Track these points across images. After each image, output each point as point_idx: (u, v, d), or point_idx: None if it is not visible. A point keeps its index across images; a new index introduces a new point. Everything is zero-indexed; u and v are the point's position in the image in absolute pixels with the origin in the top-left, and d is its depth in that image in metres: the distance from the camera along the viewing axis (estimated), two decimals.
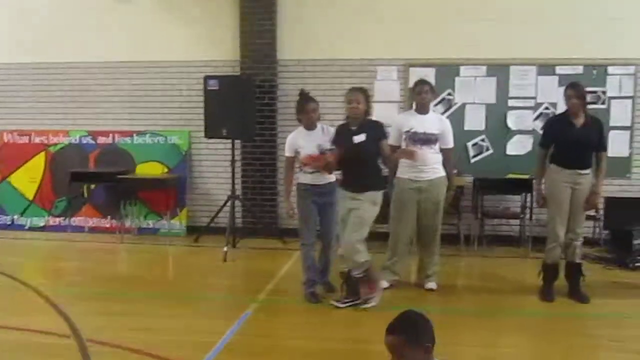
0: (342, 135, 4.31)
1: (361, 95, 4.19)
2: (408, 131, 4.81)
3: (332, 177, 4.64)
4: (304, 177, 4.66)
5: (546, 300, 4.76)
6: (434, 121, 4.87)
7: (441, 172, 4.89)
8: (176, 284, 5.40)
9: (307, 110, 4.56)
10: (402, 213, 4.88)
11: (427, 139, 4.79)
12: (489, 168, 6.87)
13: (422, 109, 4.86)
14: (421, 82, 4.91)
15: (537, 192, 4.93)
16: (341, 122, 4.54)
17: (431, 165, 4.83)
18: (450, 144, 4.93)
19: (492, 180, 6.65)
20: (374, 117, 4.78)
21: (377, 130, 4.25)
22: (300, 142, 4.61)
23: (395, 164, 4.67)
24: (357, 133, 4.25)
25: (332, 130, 4.63)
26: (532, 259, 6.03)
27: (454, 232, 6.73)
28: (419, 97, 4.84)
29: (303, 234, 4.64)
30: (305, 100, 4.62)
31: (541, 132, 5.20)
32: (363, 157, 4.23)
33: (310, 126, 4.63)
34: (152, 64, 7.39)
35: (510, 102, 6.88)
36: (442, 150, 4.89)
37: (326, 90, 6.84)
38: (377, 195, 4.32)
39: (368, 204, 4.28)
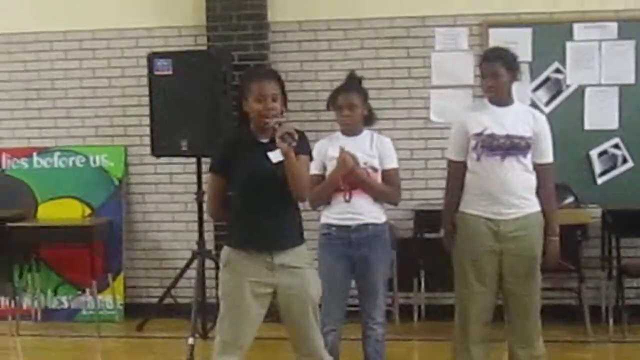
0: (242, 149, 4.20)
1: (277, 84, 4.19)
2: (479, 134, 4.81)
3: (379, 215, 4.81)
4: (329, 214, 4.84)
5: None
6: (522, 117, 4.88)
7: (535, 206, 4.84)
8: None
9: (340, 105, 4.78)
10: (470, 275, 4.88)
11: (513, 146, 4.78)
12: (629, 193, 6.93)
13: (498, 100, 4.87)
14: (488, 57, 4.95)
15: None
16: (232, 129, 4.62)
17: (519, 194, 4.79)
18: (548, 156, 4.90)
19: (635, 214, 6.67)
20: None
21: (300, 143, 4.20)
22: (331, 152, 4.78)
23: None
24: (273, 148, 4.17)
25: (387, 142, 4.91)
26: None
27: (571, 303, 6.79)
28: (484, 82, 4.88)
29: (325, 311, 4.60)
30: (343, 88, 4.85)
31: None
32: (284, 188, 4.14)
33: (348, 130, 4.83)
34: (62, 36, 7.48)
35: None
36: (536, 167, 4.85)
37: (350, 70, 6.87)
38: (307, 253, 4.32)
39: (309, 273, 4.22)
